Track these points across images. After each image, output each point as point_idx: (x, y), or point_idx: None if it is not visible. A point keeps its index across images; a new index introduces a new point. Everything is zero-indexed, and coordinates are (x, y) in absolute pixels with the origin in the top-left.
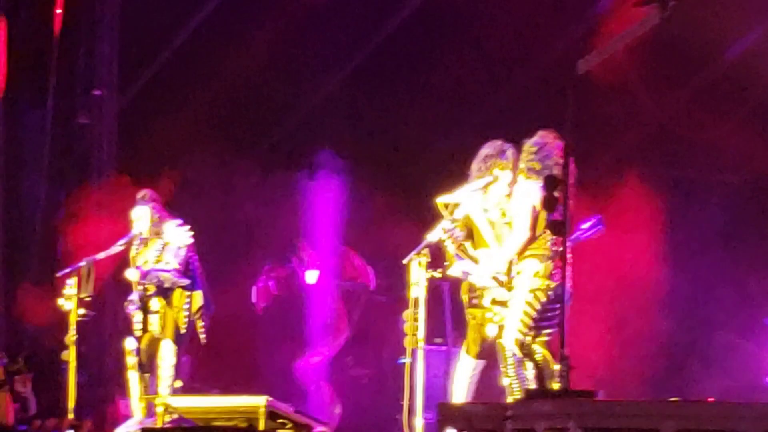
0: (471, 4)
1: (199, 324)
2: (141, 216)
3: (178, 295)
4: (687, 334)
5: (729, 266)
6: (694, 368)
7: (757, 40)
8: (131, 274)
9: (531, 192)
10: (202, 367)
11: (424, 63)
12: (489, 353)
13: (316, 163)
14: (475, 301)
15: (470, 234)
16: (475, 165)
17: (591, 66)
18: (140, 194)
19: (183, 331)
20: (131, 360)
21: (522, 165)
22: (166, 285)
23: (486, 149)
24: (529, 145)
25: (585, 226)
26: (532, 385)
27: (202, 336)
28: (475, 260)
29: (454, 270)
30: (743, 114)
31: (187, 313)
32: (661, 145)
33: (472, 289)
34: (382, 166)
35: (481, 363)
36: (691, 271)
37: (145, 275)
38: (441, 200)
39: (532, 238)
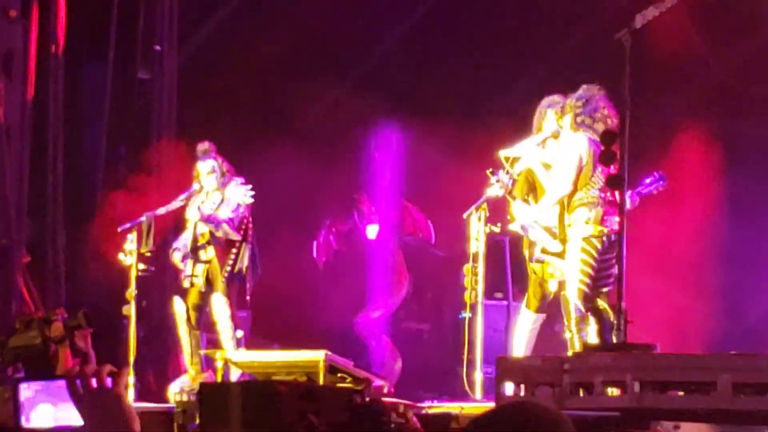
0: None
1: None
2: (209, 169)
3: (227, 248)
4: (747, 287)
5: None
6: (756, 323)
7: None
8: (191, 214)
9: (578, 143)
10: (262, 322)
11: (483, 16)
12: (549, 308)
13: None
14: (536, 256)
15: (533, 188)
16: (536, 120)
17: (648, 20)
18: (202, 147)
19: (227, 284)
20: (180, 317)
21: (569, 118)
22: (218, 234)
23: (544, 104)
24: (574, 99)
25: (647, 180)
26: (594, 340)
27: (247, 297)
28: None
29: (515, 225)
30: None
31: (230, 268)
32: (719, 100)
33: (532, 243)
34: (441, 121)
35: (541, 317)
36: (751, 224)
37: (206, 219)
38: (503, 153)
39: (574, 191)
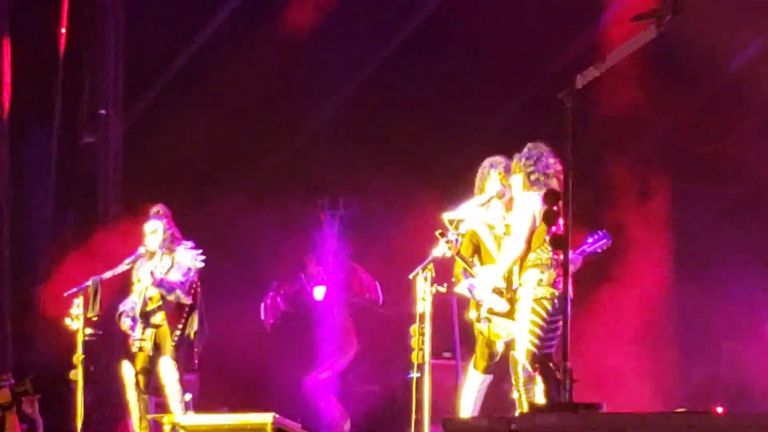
0: (471, 22)
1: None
2: (154, 230)
3: (176, 312)
4: (695, 344)
5: (737, 277)
6: (703, 379)
7: (756, 52)
8: (143, 277)
9: (530, 202)
10: (210, 384)
11: (424, 81)
12: (496, 367)
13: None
14: (483, 316)
15: (477, 250)
16: (478, 181)
17: (589, 80)
18: (154, 209)
19: (176, 347)
20: (129, 381)
21: (520, 178)
22: (170, 298)
23: (486, 164)
24: (524, 158)
25: (590, 240)
26: (541, 399)
27: (195, 361)
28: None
29: (461, 287)
30: (747, 126)
31: (180, 332)
32: (663, 159)
33: (478, 304)
34: (388, 185)
35: (489, 378)
36: (698, 282)
37: (158, 283)
38: (446, 216)
39: (528, 250)
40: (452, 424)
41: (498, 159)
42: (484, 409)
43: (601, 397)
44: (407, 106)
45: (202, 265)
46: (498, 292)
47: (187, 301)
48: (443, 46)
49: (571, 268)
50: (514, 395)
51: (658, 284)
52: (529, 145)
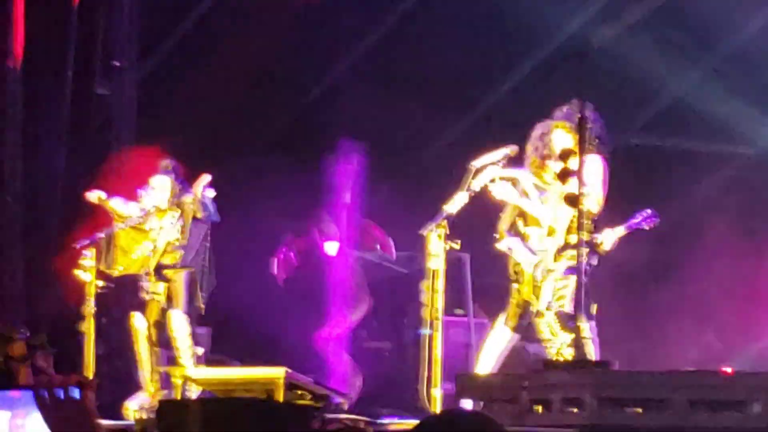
0: None
1: (200, 295)
2: (162, 186)
3: (189, 268)
4: (705, 306)
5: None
6: (713, 340)
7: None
8: (156, 227)
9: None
10: (223, 338)
11: (441, 41)
12: (524, 329)
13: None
14: (520, 278)
15: (522, 211)
16: (531, 145)
17: (605, 39)
18: (163, 163)
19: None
20: (141, 334)
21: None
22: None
23: (540, 129)
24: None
25: (638, 216)
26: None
27: (202, 306)
28: (526, 237)
29: (502, 245)
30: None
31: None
32: (674, 119)
33: (517, 263)
34: (402, 142)
35: (516, 337)
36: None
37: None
38: (495, 174)
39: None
40: (465, 380)
41: (549, 123)
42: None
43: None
44: (425, 59)
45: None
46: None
47: (216, 218)
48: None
49: (611, 241)
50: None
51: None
52: (578, 104)
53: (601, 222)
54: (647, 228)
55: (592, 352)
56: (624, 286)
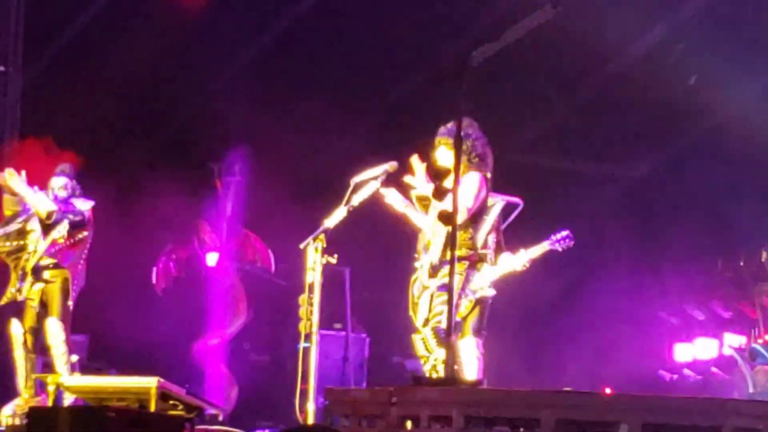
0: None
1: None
2: (60, 185)
3: (65, 272)
4: (582, 326)
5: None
6: (590, 360)
7: (654, 41)
8: (37, 228)
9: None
10: (101, 347)
11: (325, 53)
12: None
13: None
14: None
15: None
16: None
17: (485, 58)
18: (62, 166)
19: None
20: (17, 340)
21: (450, 152)
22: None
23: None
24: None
25: (552, 237)
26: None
27: (69, 303)
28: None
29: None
30: (641, 107)
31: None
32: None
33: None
34: (283, 153)
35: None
36: (587, 265)
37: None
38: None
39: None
40: (335, 394)
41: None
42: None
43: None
44: (310, 73)
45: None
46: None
47: (76, 218)
48: (340, 20)
49: (523, 262)
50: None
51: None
52: (465, 120)
53: (511, 242)
54: (560, 250)
55: (470, 370)
56: (518, 307)
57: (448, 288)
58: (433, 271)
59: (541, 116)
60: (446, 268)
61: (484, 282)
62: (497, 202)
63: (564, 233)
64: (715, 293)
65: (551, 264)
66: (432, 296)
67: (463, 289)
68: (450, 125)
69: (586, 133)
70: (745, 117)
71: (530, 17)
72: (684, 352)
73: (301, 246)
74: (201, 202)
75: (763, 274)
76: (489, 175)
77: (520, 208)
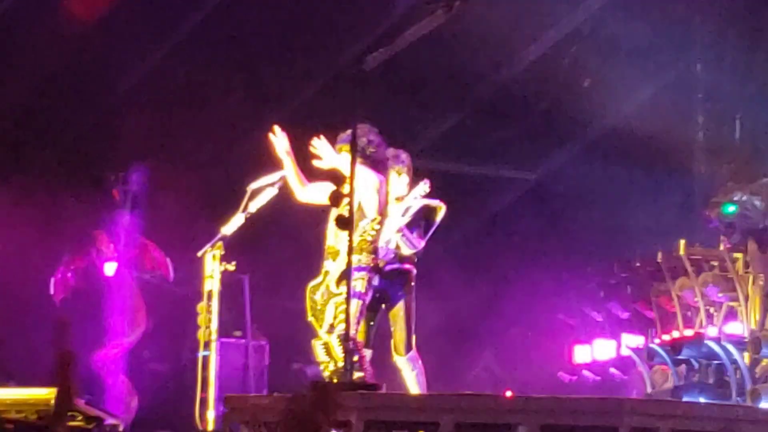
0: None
1: None
2: None
3: None
4: (487, 330)
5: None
6: (491, 363)
7: (548, 45)
8: None
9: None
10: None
11: (224, 61)
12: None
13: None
14: None
15: None
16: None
17: (379, 62)
18: None
19: None
20: None
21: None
22: None
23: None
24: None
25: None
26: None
27: None
28: None
29: None
30: (534, 114)
31: None
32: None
33: None
34: (181, 162)
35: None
36: (485, 269)
37: None
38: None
39: None
40: (234, 402)
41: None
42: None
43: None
44: (206, 82)
45: None
46: None
47: None
48: (244, 25)
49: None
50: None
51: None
52: (362, 126)
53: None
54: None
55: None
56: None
57: (350, 294)
58: (340, 278)
59: (438, 120)
60: (353, 274)
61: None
62: (411, 205)
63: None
64: (612, 294)
65: (453, 270)
66: (337, 303)
67: (366, 294)
68: (350, 131)
69: (483, 137)
70: (638, 119)
71: (423, 22)
72: (583, 353)
73: (199, 254)
74: (99, 212)
75: (660, 275)
76: (402, 177)
77: (443, 213)
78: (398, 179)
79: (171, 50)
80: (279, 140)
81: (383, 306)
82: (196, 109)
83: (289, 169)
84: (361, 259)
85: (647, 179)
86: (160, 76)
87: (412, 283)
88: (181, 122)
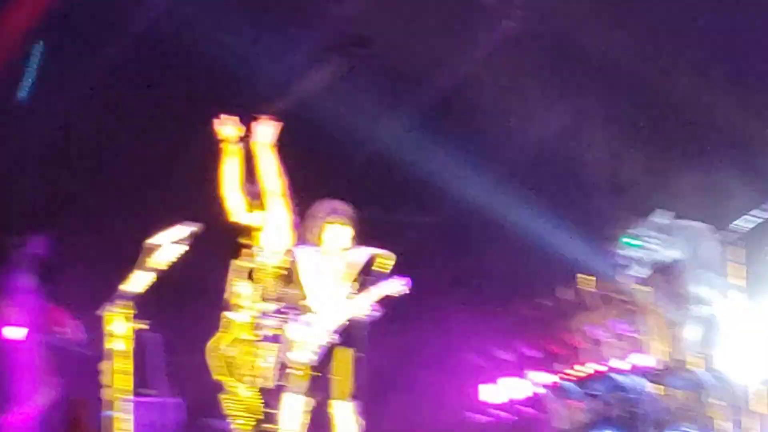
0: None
1: None
2: None
3: None
4: (389, 369)
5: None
6: (397, 404)
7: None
8: None
9: None
10: None
11: (127, 115)
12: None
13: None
14: None
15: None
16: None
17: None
18: None
19: None
20: None
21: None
22: None
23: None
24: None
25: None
26: None
27: None
28: None
29: None
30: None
31: None
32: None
33: None
34: (84, 222)
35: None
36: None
37: None
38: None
39: None
40: None
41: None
42: None
43: None
44: (106, 138)
45: None
46: None
47: None
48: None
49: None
50: None
51: None
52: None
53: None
54: (396, 295)
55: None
56: None
57: (270, 341)
58: (257, 325)
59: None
60: (270, 321)
61: (312, 333)
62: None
63: (402, 280)
64: (517, 332)
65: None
66: (256, 351)
67: (283, 342)
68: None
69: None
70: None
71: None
72: (489, 392)
73: (102, 313)
74: (2, 276)
75: (563, 311)
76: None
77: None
78: (341, 230)
79: (70, 105)
80: (226, 128)
81: None
82: (97, 169)
83: (234, 164)
84: (277, 306)
85: (551, 214)
86: (59, 138)
87: None
88: (84, 179)
